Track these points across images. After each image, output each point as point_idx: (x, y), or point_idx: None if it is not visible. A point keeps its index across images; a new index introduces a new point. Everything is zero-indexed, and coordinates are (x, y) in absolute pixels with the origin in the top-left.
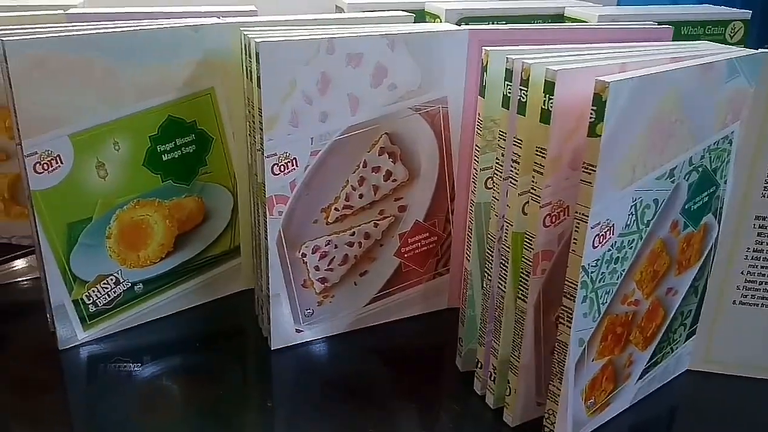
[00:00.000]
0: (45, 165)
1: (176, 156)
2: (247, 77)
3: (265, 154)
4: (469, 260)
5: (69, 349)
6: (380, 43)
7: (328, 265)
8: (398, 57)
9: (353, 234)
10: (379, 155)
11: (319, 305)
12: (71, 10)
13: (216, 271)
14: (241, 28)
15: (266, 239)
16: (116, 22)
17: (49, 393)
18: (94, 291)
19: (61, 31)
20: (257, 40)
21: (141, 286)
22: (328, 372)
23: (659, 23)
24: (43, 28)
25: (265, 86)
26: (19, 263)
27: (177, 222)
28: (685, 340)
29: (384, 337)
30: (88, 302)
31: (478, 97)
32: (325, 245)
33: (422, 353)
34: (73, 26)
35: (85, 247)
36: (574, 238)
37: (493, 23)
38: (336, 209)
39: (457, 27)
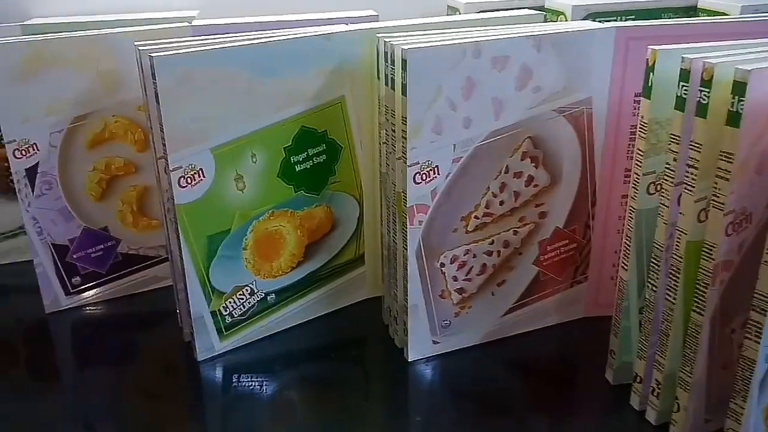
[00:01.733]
0: (189, 179)
1: (308, 166)
2: (386, 85)
3: (407, 163)
4: (626, 269)
5: (206, 360)
6: (526, 44)
7: (466, 275)
8: (544, 58)
9: (492, 243)
10: (521, 160)
11: (456, 316)
12: (194, 22)
13: (341, 280)
14: (378, 35)
15: (405, 249)
16: (245, 33)
17: (189, 404)
18: (230, 302)
19: (204, 45)
20: (405, 47)
21: (273, 296)
22: (468, 384)
23: None
24: (184, 42)
25: (411, 94)
26: (147, 273)
27: (307, 232)
28: None
29: (521, 348)
30: (224, 313)
31: (642, 98)
32: (464, 255)
33: (563, 365)
34: (213, 39)
35: (223, 259)
36: None
37: (621, 18)
38: (476, 217)
39: (602, 25)
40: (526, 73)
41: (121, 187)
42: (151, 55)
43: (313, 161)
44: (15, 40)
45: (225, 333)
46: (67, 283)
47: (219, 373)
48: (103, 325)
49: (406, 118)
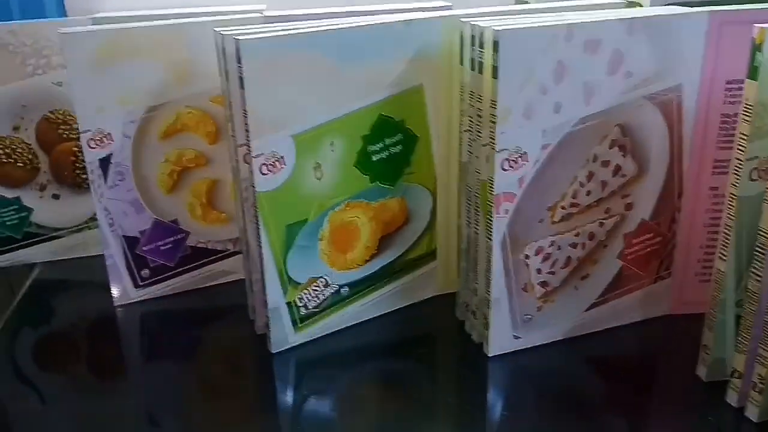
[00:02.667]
0: (270, 166)
1: (384, 156)
2: (471, 69)
3: (496, 149)
4: (723, 260)
5: (280, 352)
6: (619, 28)
7: (550, 268)
8: (636, 42)
9: (577, 234)
10: (609, 148)
11: (539, 310)
12: (266, 13)
13: (413, 275)
14: (463, 19)
15: (489, 240)
16: (326, 20)
17: (262, 397)
18: (305, 293)
19: (288, 30)
20: (496, 28)
21: (347, 288)
22: (552, 381)
23: None
24: (267, 28)
25: (502, 76)
26: (215, 267)
27: (381, 224)
28: None
29: (603, 344)
30: (299, 305)
31: (747, 80)
32: (549, 246)
33: (650, 362)
34: (296, 25)
35: (300, 249)
36: None
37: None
38: (562, 207)
39: (695, 9)
40: (617, 58)
41: (191, 179)
42: (238, 38)
43: (389, 151)
44: (91, 29)
45: (299, 325)
46: (137, 275)
47: (293, 366)
48: (173, 319)
49: (495, 101)
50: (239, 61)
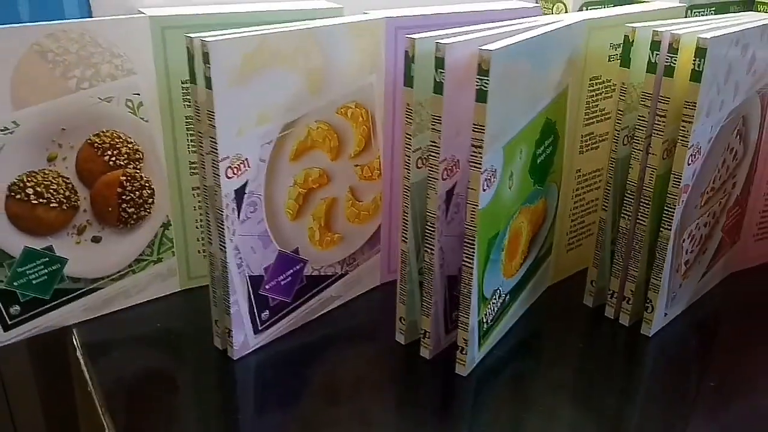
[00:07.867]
0: (489, 182)
1: (542, 159)
2: (651, 72)
3: (687, 145)
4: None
5: (470, 373)
6: (757, 33)
7: (692, 248)
8: (763, 46)
9: (708, 215)
10: (735, 137)
11: (680, 287)
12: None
13: (539, 272)
14: (630, 24)
15: (667, 230)
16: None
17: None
18: (489, 308)
19: (500, 36)
20: (703, 35)
21: (508, 296)
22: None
23: None
24: (459, 34)
25: (705, 79)
26: (324, 294)
27: (533, 226)
28: None
29: (706, 306)
30: (484, 321)
31: None
32: (695, 229)
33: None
34: (492, 30)
35: (491, 264)
36: None
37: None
38: (707, 192)
39: None
40: (752, 59)
41: (313, 201)
42: (488, 48)
43: (545, 153)
44: (237, 34)
45: (481, 342)
46: (257, 319)
47: (473, 386)
48: (309, 361)
49: (693, 102)
50: (485, 72)
